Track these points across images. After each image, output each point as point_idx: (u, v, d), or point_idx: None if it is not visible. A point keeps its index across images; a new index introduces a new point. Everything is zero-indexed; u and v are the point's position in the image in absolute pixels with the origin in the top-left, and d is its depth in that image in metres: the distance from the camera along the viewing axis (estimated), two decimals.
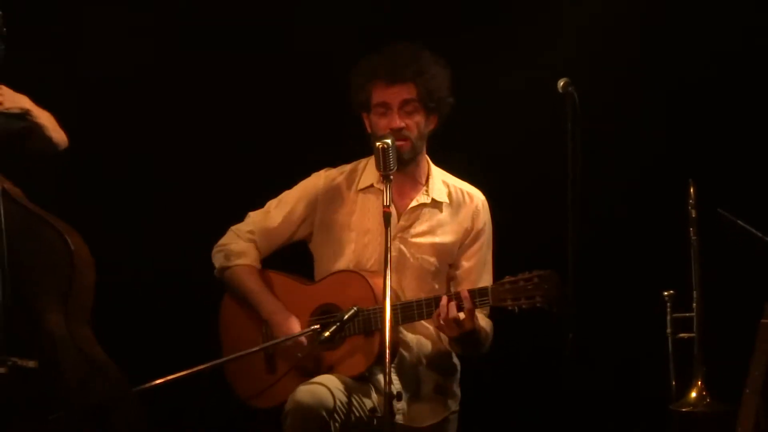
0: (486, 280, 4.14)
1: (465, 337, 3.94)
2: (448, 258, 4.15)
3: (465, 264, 4.16)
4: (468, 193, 4.20)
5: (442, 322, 3.90)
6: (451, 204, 4.18)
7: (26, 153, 3.92)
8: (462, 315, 3.88)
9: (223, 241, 4.28)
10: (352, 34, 4.86)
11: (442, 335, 4.06)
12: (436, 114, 4.11)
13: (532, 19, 4.88)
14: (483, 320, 4.05)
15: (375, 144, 3.92)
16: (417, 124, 4.06)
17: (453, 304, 3.89)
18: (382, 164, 3.89)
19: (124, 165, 5.02)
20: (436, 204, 4.17)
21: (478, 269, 4.15)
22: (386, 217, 3.79)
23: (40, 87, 3.95)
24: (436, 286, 4.14)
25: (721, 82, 4.75)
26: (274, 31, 5.03)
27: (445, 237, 4.15)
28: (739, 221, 4.26)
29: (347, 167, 4.27)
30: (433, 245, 4.14)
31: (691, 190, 4.36)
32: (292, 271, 4.26)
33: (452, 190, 4.20)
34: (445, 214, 4.17)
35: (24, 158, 3.90)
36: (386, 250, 3.73)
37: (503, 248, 4.26)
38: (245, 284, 4.19)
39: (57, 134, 3.97)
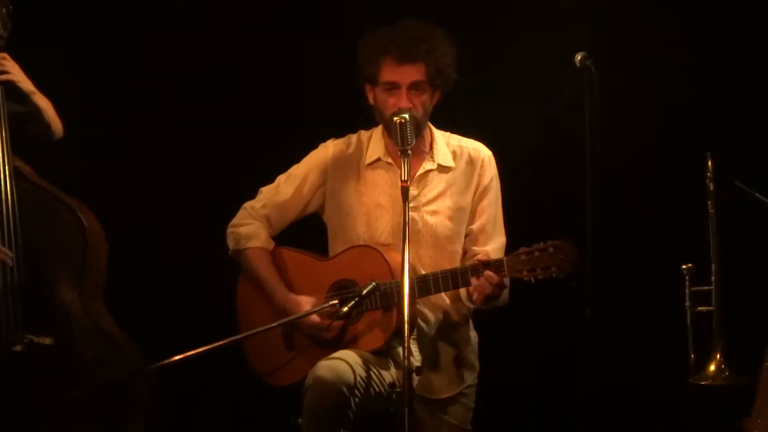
0: (498, 236, 4.16)
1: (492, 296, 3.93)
2: (463, 218, 4.15)
3: (477, 221, 4.17)
4: (473, 149, 4.20)
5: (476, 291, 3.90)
6: (457, 165, 4.18)
7: (25, 136, 3.92)
8: (491, 290, 3.87)
9: (234, 221, 4.26)
10: (361, 13, 4.83)
11: (462, 294, 4.06)
12: (441, 89, 4.11)
13: None
14: None
15: (392, 119, 3.95)
16: (423, 103, 4.06)
17: (487, 274, 3.87)
18: (399, 139, 3.91)
19: (139, 144, 5.01)
20: (442, 168, 4.16)
21: (489, 225, 4.16)
22: (404, 192, 3.80)
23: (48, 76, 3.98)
24: (455, 250, 4.14)
25: (739, 54, 4.73)
26: (282, 17, 5.03)
27: (456, 198, 4.15)
28: (757, 194, 4.26)
29: (353, 138, 4.26)
30: (447, 209, 4.14)
31: (709, 164, 4.35)
32: (306, 247, 4.25)
33: (456, 149, 4.19)
34: (452, 176, 4.17)
35: (24, 143, 3.91)
36: (404, 224, 3.73)
37: (523, 223, 4.25)
38: (256, 271, 4.19)
39: (54, 121, 4.01)
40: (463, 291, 4.05)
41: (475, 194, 4.16)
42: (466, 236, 4.17)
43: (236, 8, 5.03)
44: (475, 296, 3.94)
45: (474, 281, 3.90)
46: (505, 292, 4.02)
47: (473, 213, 4.16)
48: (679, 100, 4.77)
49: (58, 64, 4.73)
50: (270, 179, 4.28)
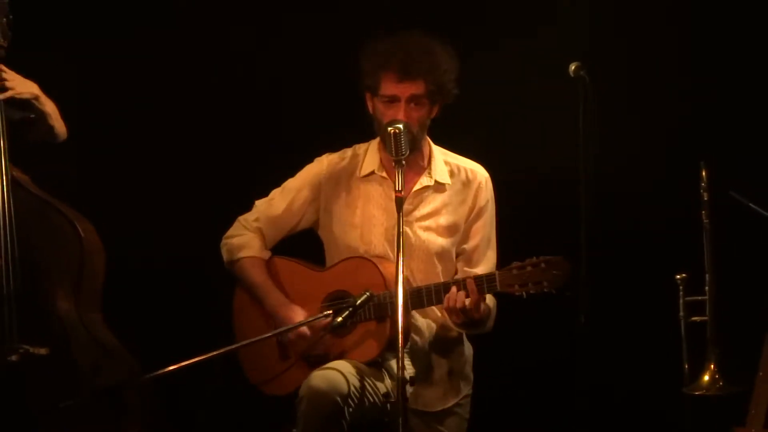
0: (490, 257, 4.16)
1: (469, 321, 3.95)
2: (455, 237, 4.16)
3: (470, 241, 4.17)
4: (471, 170, 4.21)
5: (449, 308, 3.92)
6: (453, 183, 4.18)
7: (28, 142, 3.91)
8: (468, 303, 3.89)
9: (228, 233, 4.28)
10: (357, 20, 4.83)
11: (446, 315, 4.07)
12: (440, 104, 4.11)
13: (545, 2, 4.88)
14: (488, 298, 4.04)
15: (386, 129, 3.95)
16: (420, 117, 4.06)
17: (462, 293, 3.90)
18: (393, 149, 3.91)
19: (136, 153, 5.01)
20: (439, 185, 4.17)
21: (482, 246, 4.16)
22: (398, 203, 3.81)
23: (49, 77, 3.97)
24: (446, 267, 4.15)
25: (733, 63, 4.73)
26: (282, 25, 5.04)
27: (450, 217, 4.16)
28: (751, 204, 4.26)
29: (348, 152, 4.26)
30: (439, 227, 4.15)
31: (703, 173, 4.34)
32: (304, 258, 4.25)
33: (454, 168, 4.20)
34: (448, 194, 4.17)
35: (25, 148, 3.90)
36: (398, 234, 3.74)
37: (516, 233, 4.27)
38: (249, 278, 4.20)
39: (59, 124, 3.99)
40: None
41: (470, 214, 4.17)
42: (458, 255, 4.18)
43: (237, 15, 5.03)
44: (452, 317, 3.95)
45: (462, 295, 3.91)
46: (490, 321, 4.05)
47: (467, 233, 4.17)
48: (673, 109, 4.77)
49: (57, 66, 4.73)
50: (270, 188, 4.29)
